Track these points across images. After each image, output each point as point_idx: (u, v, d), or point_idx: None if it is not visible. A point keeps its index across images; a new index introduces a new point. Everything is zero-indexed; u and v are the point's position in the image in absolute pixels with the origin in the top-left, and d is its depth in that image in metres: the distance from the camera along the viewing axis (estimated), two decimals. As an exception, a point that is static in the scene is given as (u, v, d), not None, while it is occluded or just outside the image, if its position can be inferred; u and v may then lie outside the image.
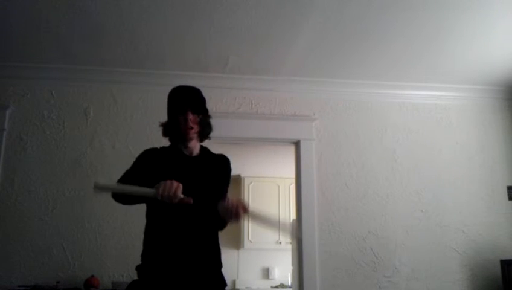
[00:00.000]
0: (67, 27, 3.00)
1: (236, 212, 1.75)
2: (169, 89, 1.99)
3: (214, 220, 1.88)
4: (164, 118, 1.99)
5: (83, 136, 3.48)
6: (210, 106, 3.83)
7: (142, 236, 1.88)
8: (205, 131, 1.95)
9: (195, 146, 1.95)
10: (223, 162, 2.02)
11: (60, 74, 3.53)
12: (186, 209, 1.69)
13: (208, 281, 1.81)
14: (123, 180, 1.80)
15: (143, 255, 1.86)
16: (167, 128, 1.94)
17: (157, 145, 2.00)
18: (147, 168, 1.85)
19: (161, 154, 1.92)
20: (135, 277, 1.87)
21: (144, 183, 1.72)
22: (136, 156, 1.94)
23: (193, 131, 1.89)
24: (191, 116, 1.87)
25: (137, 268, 1.85)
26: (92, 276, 3.09)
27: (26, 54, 3.35)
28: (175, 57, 3.41)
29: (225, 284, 1.90)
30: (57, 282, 3.09)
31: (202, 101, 1.95)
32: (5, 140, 3.38)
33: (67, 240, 3.26)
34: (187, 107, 1.88)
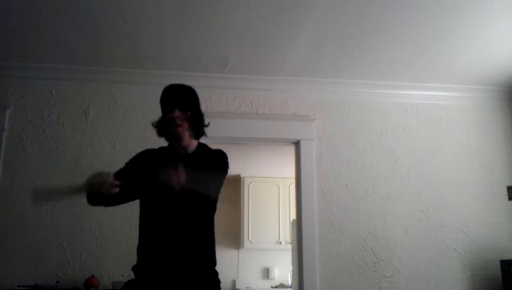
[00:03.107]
0: (67, 27, 3.00)
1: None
2: (169, 89, 1.98)
3: (205, 215, 1.88)
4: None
5: (83, 136, 3.47)
6: (210, 106, 3.81)
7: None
8: (197, 127, 1.90)
9: (189, 143, 1.91)
10: (216, 156, 1.96)
11: (60, 74, 3.53)
12: (176, 207, 1.70)
13: (200, 280, 1.80)
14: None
15: (137, 255, 1.86)
16: (159, 129, 1.91)
17: (158, 144, 1.99)
18: (140, 167, 1.87)
19: (157, 154, 1.92)
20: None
21: (133, 182, 1.78)
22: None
23: (181, 128, 1.84)
24: (177, 114, 1.83)
25: (133, 268, 1.84)
26: (92, 276, 3.09)
27: (26, 54, 3.35)
28: (175, 57, 3.41)
29: (218, 282, 1.87)
30: (57, 282, 3.09)
31: (189, 97, 1.89)
32: (5, 140, 3.38)
33: (67, 240, 3.26)
34: (172, 105, 1.83)
